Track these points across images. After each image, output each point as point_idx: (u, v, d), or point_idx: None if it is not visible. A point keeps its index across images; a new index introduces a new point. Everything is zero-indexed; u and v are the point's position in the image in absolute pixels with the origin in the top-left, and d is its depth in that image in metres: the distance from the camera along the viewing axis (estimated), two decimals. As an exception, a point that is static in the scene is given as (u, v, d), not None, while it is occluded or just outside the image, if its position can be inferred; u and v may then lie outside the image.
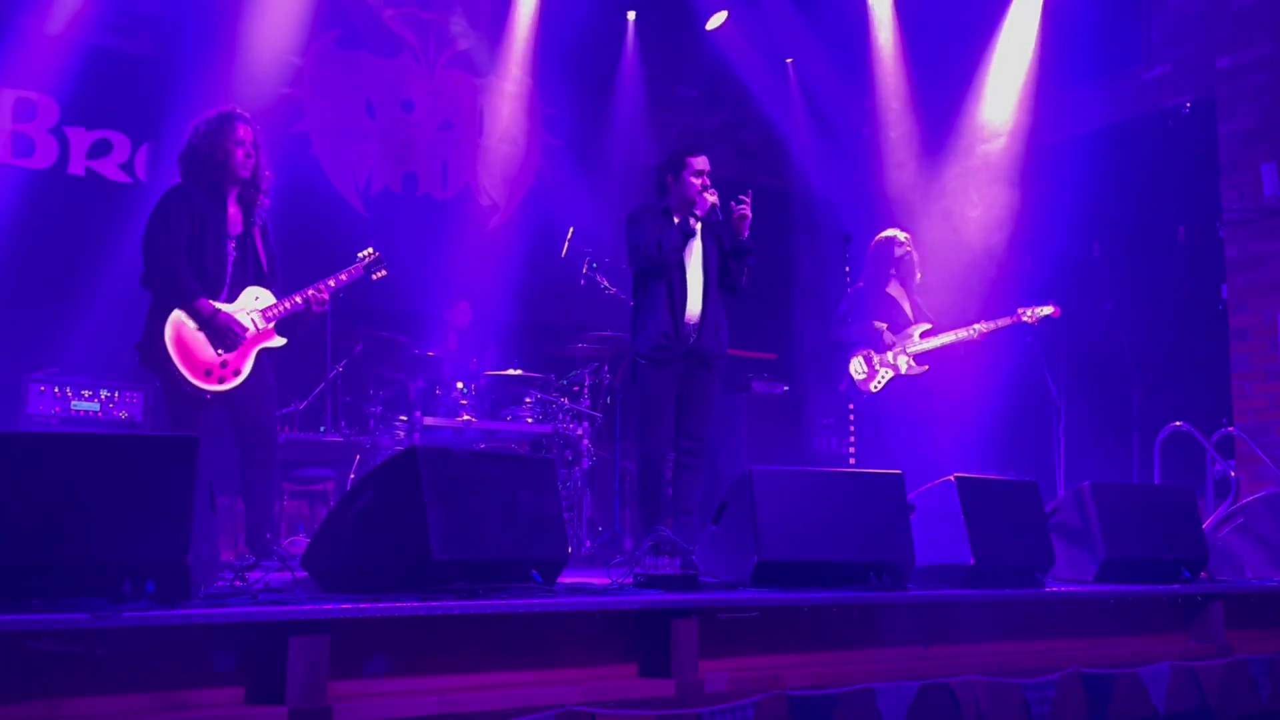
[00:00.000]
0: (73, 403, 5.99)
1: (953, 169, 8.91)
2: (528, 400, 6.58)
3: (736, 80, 9.27)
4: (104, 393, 6.10)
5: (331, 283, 4.75)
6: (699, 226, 5.11)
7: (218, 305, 4.45)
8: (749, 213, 5.06)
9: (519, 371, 6.66)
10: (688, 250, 5.10)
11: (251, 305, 4.55)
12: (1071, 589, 4.14)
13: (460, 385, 6.43)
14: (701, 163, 5.16)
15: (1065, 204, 8.06)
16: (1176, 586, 4.33)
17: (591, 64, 9.00)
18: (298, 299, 4.62)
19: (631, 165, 9.07)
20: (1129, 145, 7.90)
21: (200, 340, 4.40)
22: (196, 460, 2.74)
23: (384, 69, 8.28)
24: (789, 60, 9.35)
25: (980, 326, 6.18)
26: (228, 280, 4.53)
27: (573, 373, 6.80)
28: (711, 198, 5.05)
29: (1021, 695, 3.63)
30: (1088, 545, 4.38)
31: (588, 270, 6.57)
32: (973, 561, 3.88)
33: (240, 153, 4.51)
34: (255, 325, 4.52)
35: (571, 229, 6.82)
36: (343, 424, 6.40)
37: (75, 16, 6.91)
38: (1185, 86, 7.66)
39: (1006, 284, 7.99)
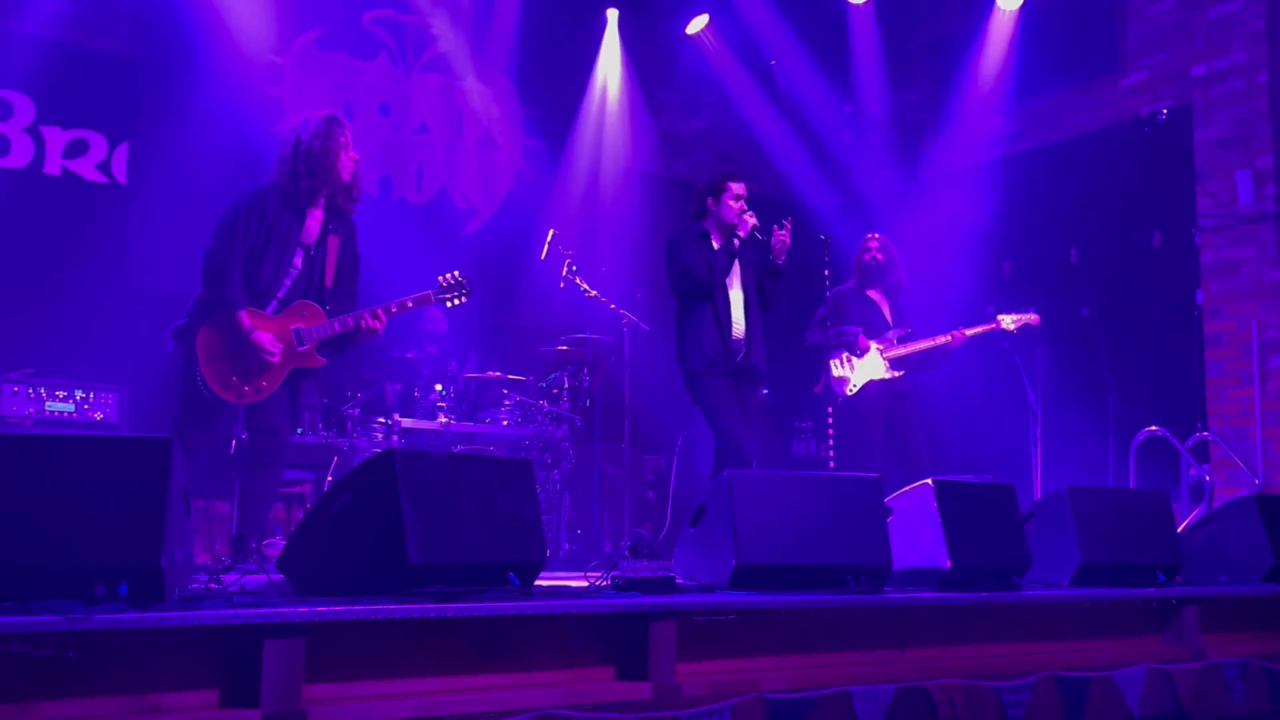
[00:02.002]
0: (47, 403, 5.95)
1: (931, 174, 8.95)
2: (506, 402, 6.57)
3: (717, 84, 9.29)
4: (79, 393, 6.06)
5: (394, 308, 4.55)
6: (739, 247, 5.30)
7: (256, 323, 4.34)
8: (789, 240, 5.28)
9: (498, 374, 6.65)
10: (729, 271, 5.30)
11: (297, 321, 4.44)
12: (1047, 592, 4.15)
13: (439, 387, 6.41)
14: (740, 188, 5.39)
15: (1043, 209, 8.11)
16: (1151, 590, 4.35)
17: (572, 67, 9.00)
18: (349, 320, 4.47)
19: (612, 168, 9.08)
20: (1106, 151, 7.96)
21: (230, 355, 4.33)
22: (171, 462, 2.72)
23: (363, 71, 8.25)
24: (773, 62, 9.36)
25: (961, 333, 6.20)
26: (281, 293, 4.44)
27: (552, 375, 6.80)
28: (751, 220, 5.28)
29: (997, 698, 3.64)
30: (1064, 548, 4.40)
31: (567, 272, 6.57)
32: (949, 565, 3.89)
33: (345, 155, 4.47)
34: (292, 345, 4.40)
35: (552, 231, 6.82)
36: (320, 426, 6.37)
37: (52, 15, 6.86)
38: (1161, 94, 7.73)
39: (984, 289, 8.03)
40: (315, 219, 4.48)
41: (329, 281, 4.52)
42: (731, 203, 5.33)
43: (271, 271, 4.39)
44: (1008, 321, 6.17)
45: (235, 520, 4.96)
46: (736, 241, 5.28)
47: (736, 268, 5.34)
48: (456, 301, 4.72)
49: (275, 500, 4.81)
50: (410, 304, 4.58)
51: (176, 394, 4.42)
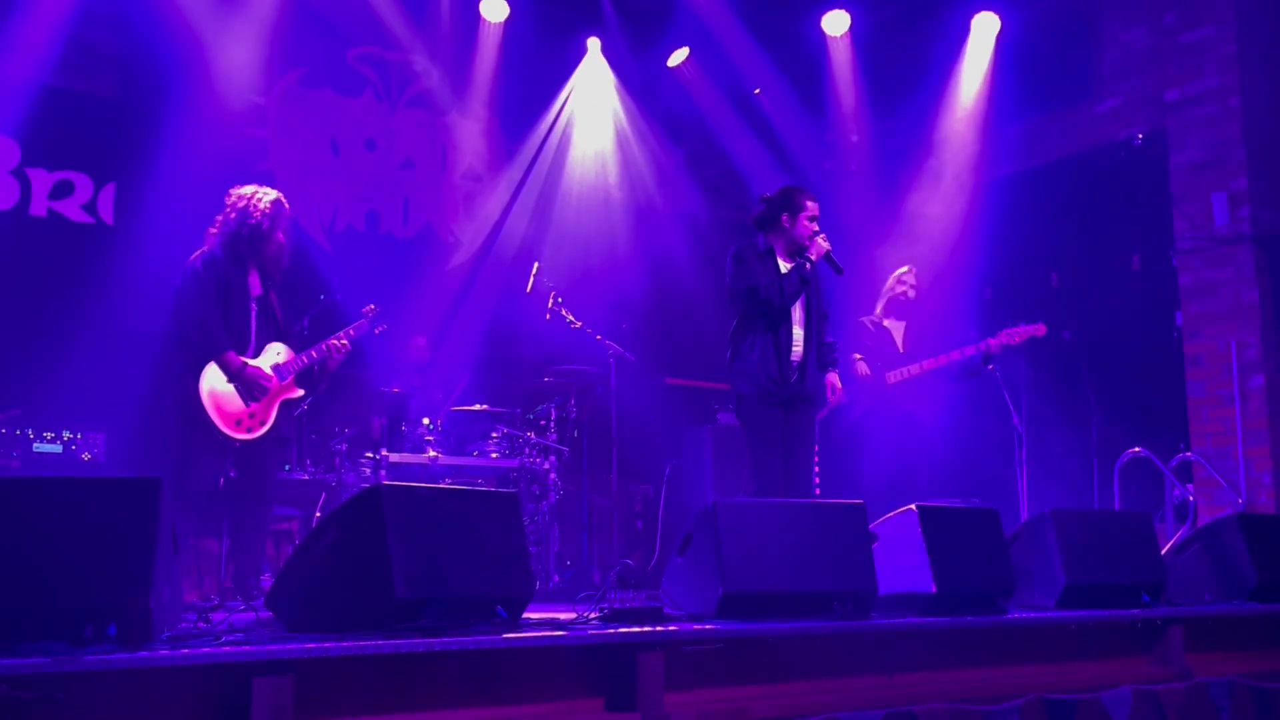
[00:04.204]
0: (35, 444, 5.94)
1: (912, 201, 9.03)
2: (494, 435, 6.59)
3: (699, 115, 9.37)
4: (66, 434, 6.05)
5: (352, 332, 5.16)
6: (811, 271, 5.14)
7: (244, 360, 4.80)
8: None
9: (485, 406, 6.67)
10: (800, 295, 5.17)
11: (274, 359, 4.92)
12: (1033, 615, 4.18)
13: (426, 421, 6.43)
14: (816, 207, 5.21)
15: (1023, 234, 8.18)
16: (1137, 611, 4.38)
17: (555, 99, 9.07)
18: (313, 353, 5.01)
19: (596, 199, 9.14)
20: (1084, 176, 8.04)
21: (231, 393, 4.75)
22: (159, 502, 2.74)
23: (348, 108, 8.31)
24: (757, 91, 9.43)
25: (958, 352, 6.26)
26: (253, 337, 4.91)
27: (539, 407, 6.82)
28: (825, 244, 5.12)
29: (985, 722, 3.66)
30: (1049, 571, 4.43)
31: (553, 304, 6.61)
32: (935, 589, 3.92)
33: (282, 237, 4.95)
34: (275, 380, 4.88)
35: (537, 264, 6.86)
36: (308, 462, 6.38)
37: (36, 58, 6.89)
38: (1136, 119, 7.82)
39: (966, 313, 8.09)
40: (254, 276, 4.97)
41: (283, 325, 5.05)
42: (807, 222, 5.16)
43: (240, 318, 4.85)
44: (1012, 335, 6.21)
45: (225, 558, 5.04)
46: (809, 265, 5.09)
47: None
48: (381, 327, 5.48)
49: (267, 536, 5.03)
50: (354, 333, 5.21)
51: (179, 450, 4.75)
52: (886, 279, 6.73)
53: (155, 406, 6.16)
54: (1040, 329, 6.25)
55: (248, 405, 4.76)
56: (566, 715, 3.11)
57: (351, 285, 6.29)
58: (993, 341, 6.23)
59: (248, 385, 4.76)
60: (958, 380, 6.42)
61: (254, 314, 4.91)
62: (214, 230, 4.94)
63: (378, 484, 3.15)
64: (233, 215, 4.88)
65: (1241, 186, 7.10)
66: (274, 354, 4.92)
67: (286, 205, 4.99)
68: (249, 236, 4.84)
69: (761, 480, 5.03)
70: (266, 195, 4.93)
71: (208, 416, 4.66)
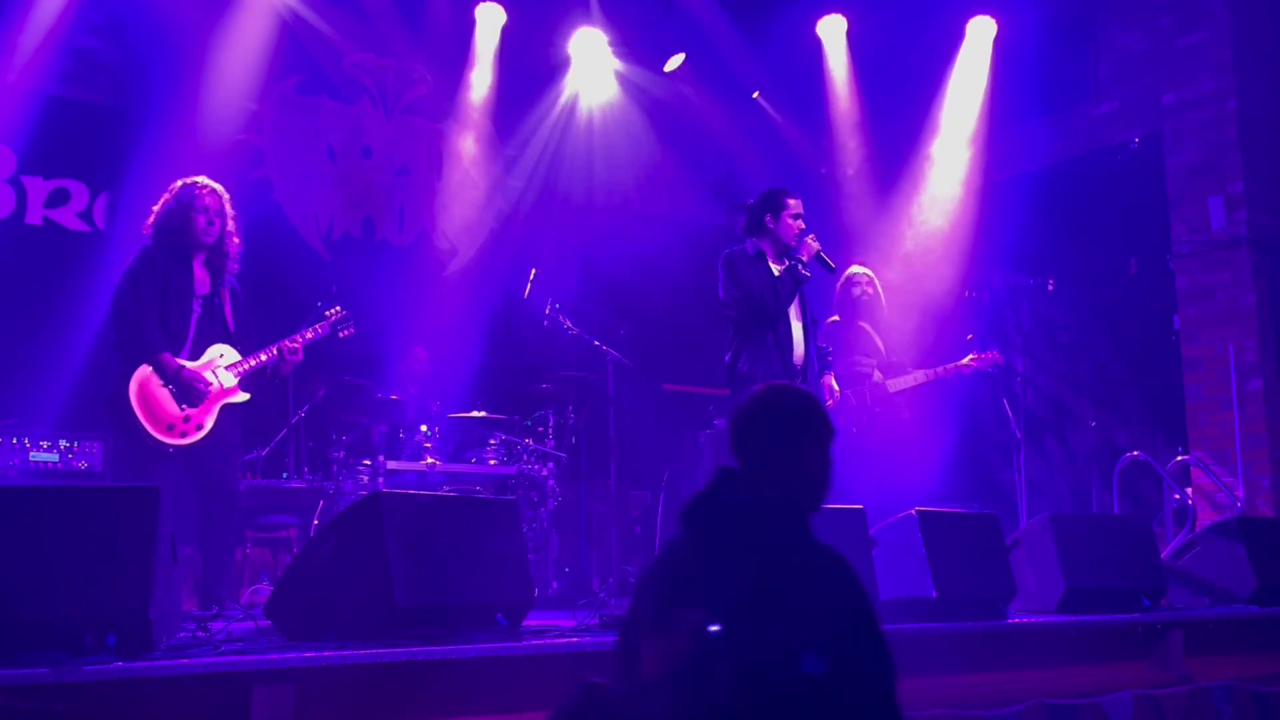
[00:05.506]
0: (31, 453, 5.92)
1: (909, 205, 9.03)
2: (492, 442, 6.57)
3: (695, 120, 9.37)
4: (63, 443, 6.04)
5: (309, 334, 4.96)
6: (803, 272, 5.09)
7: (182, 362, 4.59)
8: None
9: (483, 413, 6.66)
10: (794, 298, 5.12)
11: (217, 362, 4.71)
12: (1033, 620, 4.18)
13: (424, 428, 6.42)
14: (798, 205, 5.18)
15: (1020, 238, 8.19)
16: (1137, 615, 4.38)
17: (550, 105, 9.07)
18: (262, 356, 4.78)
19: (592, 205, 9.14)
20: (1080, 180, 8.05)
21: (164, 396, 4.54)
22: (158, 511, 2.73)
23: (344, 115, 8.30)
24: (756, 94, 9.43)
25: (948, 367, 6.28)
26: (190, 337, 4.69)
27: (537, 413, 6.81)
28: (815, 244, 5.09)
29: (986, 727, 3.66)
30: (1048, 576, 4.44)
31: (550, 311, 6.60)
32: (935, 594, 3.92)
33: (201, 220, 4.70)
34: (219, 381, 4.67)
35: (534, 270, 6.86)
36: (305, 470, 6.36)
37: (32, 66, 6.89)
38: (1133, 122, 7.83)
39: (963, 317, 8.09)
40: (201, 275, 4.77)
41: (232, 328, 4.80)
42: (791, 221, 5.13)
43: (177, 318, 4.65)
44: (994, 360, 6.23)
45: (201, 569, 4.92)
46: (800, 266, 5.05)
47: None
48: (347, 331, 5.20)
49: (237, 547, 4.96)
50: (311, 335, 4.98)
51: (124, 456, 4.67)
52: (876, 284, 6.69)
53: (88, 411, 6.13)
54: (999, 359, 6.30)
55: (182, 409, 4.54)
56: (567, 723, 3.09)
57: (348, 292, 6.28)
58: (985, 356, 6.23)
59: (184, 388, 4.53)
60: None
61: (196, 314, 4.70)
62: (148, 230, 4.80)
63: (377, 492, 3.15)
64: (160, 212, 4.74)
65: (1238, 190, 7.11)
66: (216, 355, 4.71)
67: (209, 186, 4.76)
68: (171, 227, 4.67)
69: None
70: (181, 181, 4.77)
71: (136, 420, 4.46)
